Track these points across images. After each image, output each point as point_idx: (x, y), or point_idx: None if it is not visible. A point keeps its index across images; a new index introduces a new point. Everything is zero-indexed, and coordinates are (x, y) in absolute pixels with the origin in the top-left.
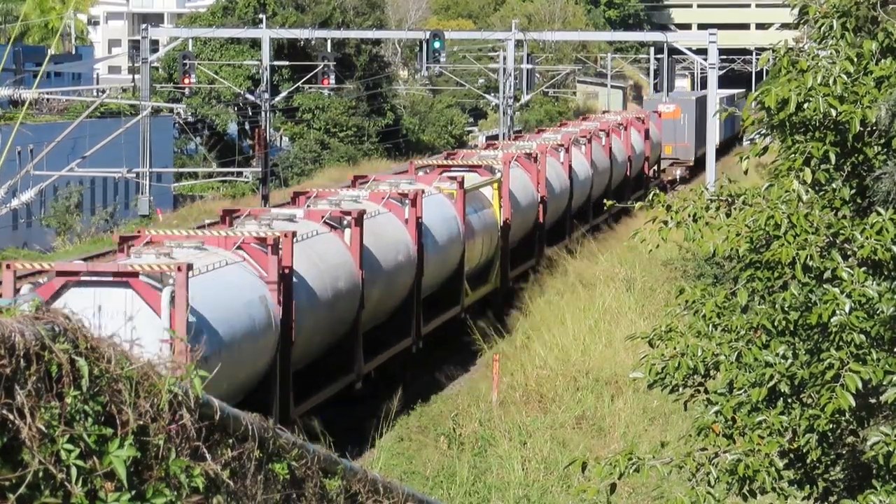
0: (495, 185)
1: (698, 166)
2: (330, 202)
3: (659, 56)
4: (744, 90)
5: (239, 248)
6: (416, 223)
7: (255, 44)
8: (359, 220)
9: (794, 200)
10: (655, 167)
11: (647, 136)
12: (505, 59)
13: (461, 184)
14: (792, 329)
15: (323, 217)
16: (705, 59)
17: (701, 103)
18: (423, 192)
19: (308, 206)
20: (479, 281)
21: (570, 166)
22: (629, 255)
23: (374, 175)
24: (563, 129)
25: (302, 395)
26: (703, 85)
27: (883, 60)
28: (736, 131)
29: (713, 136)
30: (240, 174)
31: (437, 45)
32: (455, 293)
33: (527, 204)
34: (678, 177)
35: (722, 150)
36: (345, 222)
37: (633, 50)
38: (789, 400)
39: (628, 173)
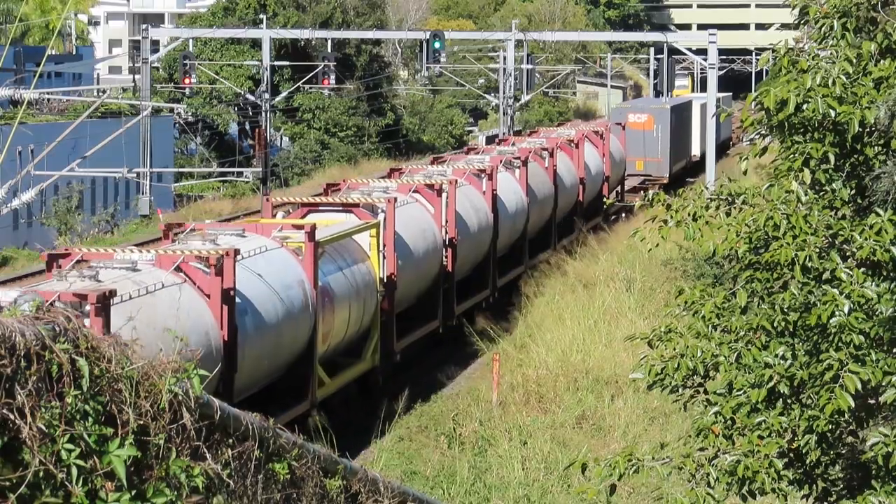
0: (373, 232)
1: (676, 184)
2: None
3: (659, 56)
4: (730, 94)
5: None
6: (221, 296)
7: (256, 44)
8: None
9: (794, 201)
10: (619, 189)
11: (607, 153)
12: (505, 59)
13: (311, 234)
14: (791, 330)
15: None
16: (705, 60)
17: (678, 112)
18: (236, 252)
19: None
20: (351, 356)
21: (495, 195)
22: (629, 255)
23: (198, 224)
24: (497, 150)
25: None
26: (703, 85)
27: (882, 61)
28: (726, 137)
29: (712, 137)
30: (240, 174)
31: (437, 45)
32: (302, 382)
33: (423, 250)
34: (651, 193)
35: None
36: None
37: (633, 50)
38: (789, 401)
39: (580, 198)
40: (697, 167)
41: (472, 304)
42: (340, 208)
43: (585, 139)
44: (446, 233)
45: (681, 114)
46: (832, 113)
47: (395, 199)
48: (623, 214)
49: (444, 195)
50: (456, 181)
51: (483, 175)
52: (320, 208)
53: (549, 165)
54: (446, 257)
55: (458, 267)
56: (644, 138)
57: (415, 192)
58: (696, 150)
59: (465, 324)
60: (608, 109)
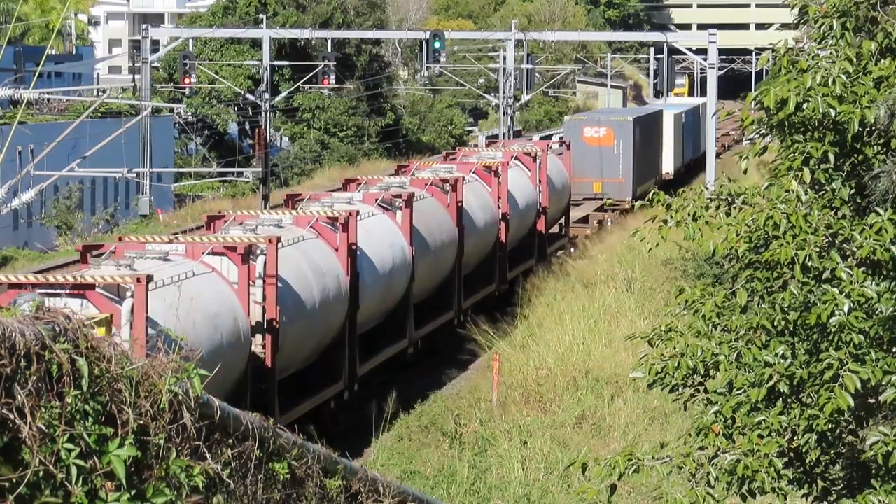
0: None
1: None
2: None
3: (659, 56)
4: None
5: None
6: (347, 249)
7: (256, 44)
8: None
9: (794, 200)
10: (562, 221)
11: (543, 178)
12: (505, 59)
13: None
14: (791, 329)
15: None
16: (705, 60)
17: (644, 124)
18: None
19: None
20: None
21: (355, 250)
22: (629, 255)
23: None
24: (380, 184)
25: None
26: (704, 85)
27: (882, 60)
28: (702, 151)
29: (711, 139)
30: (240, 174)
31: (437, 45)
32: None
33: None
34: (608, 225)
35: (683, 177)
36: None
37: (633, 50)
38: (788, 400)
39: (502, 239)
40: (671, 186)
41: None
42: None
43: (514, 163)
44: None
45: (648, 126)
46: (832, 112)
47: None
48: (572, 249)
49: (259, 259)
50: (274, 242)
51: (337, 225)
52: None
53: (452, 201)
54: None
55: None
56: (602, 156)
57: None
58: (668, 167)
59: (470, 319)
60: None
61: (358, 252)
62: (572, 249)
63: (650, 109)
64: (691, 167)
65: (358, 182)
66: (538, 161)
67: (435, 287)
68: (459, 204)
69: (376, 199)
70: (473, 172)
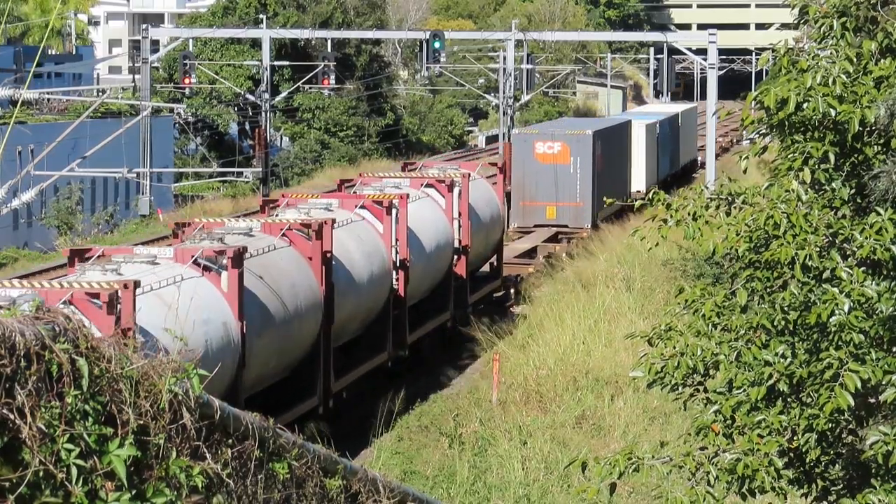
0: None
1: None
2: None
3: (659, 56)
4: (694, 105)
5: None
6: (321, 258)
7: (256, 44)
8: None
9: (794, 200)
10: (494, 260)
11: (464, 212)
12: (505, 59)
13: (388, 209)
14: (791, 329)
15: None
16: (705, 59)
17: (607, 138)
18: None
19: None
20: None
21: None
22: (628, 255)
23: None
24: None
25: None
26: (703, 86)
27: (882, 60)
28: (682, 165)
29: (711, 139)
30: (240, 174)
31: (437, 45)
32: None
33: None
34: (564, 253)
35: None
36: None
37: (633, 50)
38: (788, 399)
39: (400, 292)
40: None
41: None
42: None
43: (421, 193)
44: None
45: (612, 139)
46: (832, 112)
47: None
48: (513, 294)
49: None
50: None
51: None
52: None
53: (316, 251)
54: None
55: None
56: (557, 175)
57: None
58: (639, 186)
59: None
60: (607, 110)
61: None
62: (512, 291)
63: (616, 120)
64: (669, 184)
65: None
66: (457, 190)
67: (288, 367)
68: (328, 254)
69: (193, 257)
70: (363, 208)
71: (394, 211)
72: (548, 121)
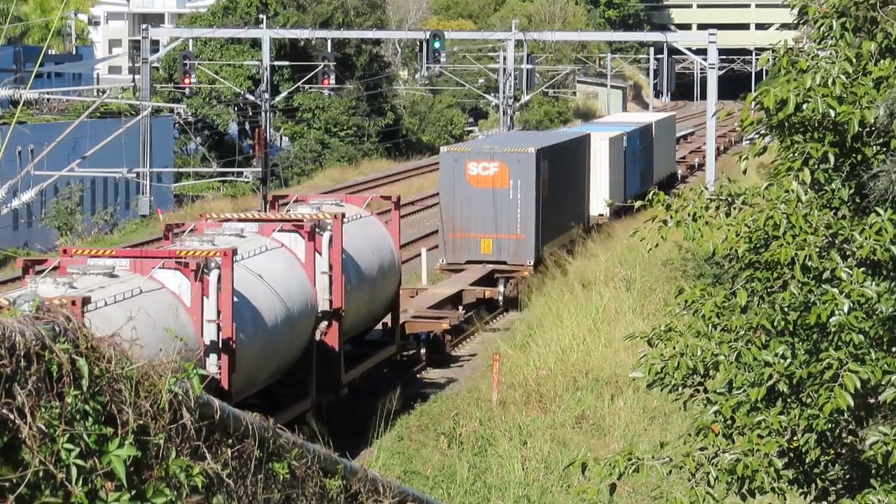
0: None
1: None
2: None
3: (659, 56)
4: (672, 114)
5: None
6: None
7: (256, 44)
8: None
9: (793, 201)
10: (388, 322)
11: (336, 263)
12: (505, 59)
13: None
14: (791, 329)
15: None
16: (705, 59)
17: (556, 156)
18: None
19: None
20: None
21: None
22: (628, 255)
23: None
24: None
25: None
26: (704, 86)
27: (882, 61)
28: (657, 182)
29: (711, 140)
30: (240, 174)
31: (437, 45)
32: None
33: None
34: (500, 297)
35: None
36: None
37: (633, 50)
38: (788, 400)
39: (224, 383)
40: (602, 230)
41: None
42: None
43: (272, 242)
44: None
45: (564, 157)
46: (832, 113)
47: None
48: (423, 355)
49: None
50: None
51: None
52: None
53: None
54: None
55: None
56: (495, 202)
57: None
58: (599, 209)
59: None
60: (607, 110)
61: None
62: (423, 352)
63: (570, 134)
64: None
65: None
66: (326, 236)
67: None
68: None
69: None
70: (173, 270)
71: (213, 273)
72: (472, 141)
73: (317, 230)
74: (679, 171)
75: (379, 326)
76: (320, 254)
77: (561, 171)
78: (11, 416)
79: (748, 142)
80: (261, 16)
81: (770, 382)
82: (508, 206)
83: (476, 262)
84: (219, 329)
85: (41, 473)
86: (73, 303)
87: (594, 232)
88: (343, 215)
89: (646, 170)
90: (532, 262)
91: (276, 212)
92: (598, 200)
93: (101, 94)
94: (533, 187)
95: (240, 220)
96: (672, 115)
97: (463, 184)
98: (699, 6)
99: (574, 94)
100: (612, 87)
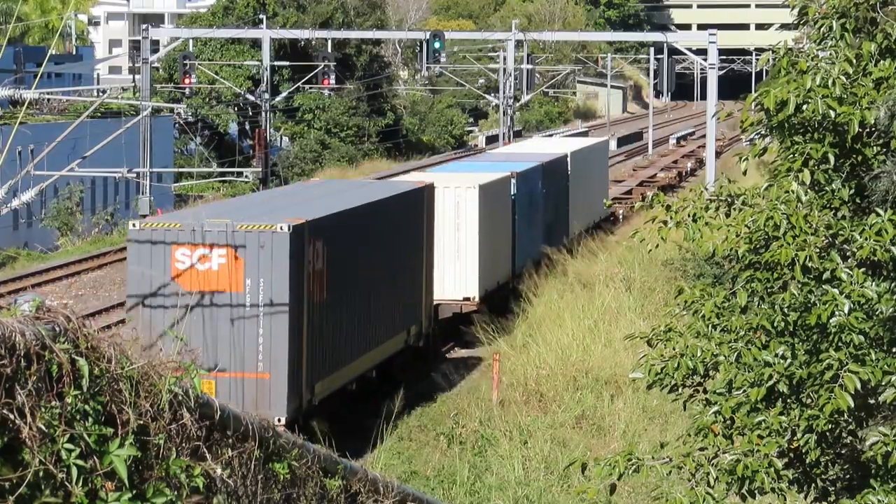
0: None
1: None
2: None
3: (659, 56)
4: (605, 139)
5: None
6: None
7: (256, 44)
8: None
9: (793, 201)
10: None
11: None
12: (505, 59)
13: None
14: (791, 329)
15: None
16: (705, 60)
17: (341, 229)
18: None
19: None
20: None
21: None
22: (628, 256)
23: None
24: None
25: None
26: (703, 86)
27: (882, 61)
28: (573, 237)
29: (711, 141)
30: (240, 174)
31: (437, 45)
32: None
33: None
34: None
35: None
36: None
37: (633, 50)
38: (788, 400)
39: None
40: (469, 322)
41: None
42: None
43: None
44: None
45: (364, 228)
46: (832, 113)
47: None
48: None
49: None
50: None
51: None
52: None
53: None
54: None
55: None
56: (216, 318)
57: None
58: (470, 290)
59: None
60: (607, 110)
61: None
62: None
63: (390, 189)
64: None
65: None
66: None
67: None
68: None
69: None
70: None
71: None
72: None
73: None
74: (614, 214)
75: None
76: None
77: (358, 255)
78: (11, 417)
79: (748, 143)
80: (260, 16)
81: (770, 383)
82: (244, 327)
83: None
84: None
85: (41, 473)
86: None
87: (434, 345)
88: None
89: (555, 223)
90: (285, 418)
91: None
92: (457, 285)
93: (101, 94)
94: (285, 289)
95: None
96: (605, 139)
97: (166, 284)
98: (699, 6)
99: (574, 94)
100: (612, 87)
